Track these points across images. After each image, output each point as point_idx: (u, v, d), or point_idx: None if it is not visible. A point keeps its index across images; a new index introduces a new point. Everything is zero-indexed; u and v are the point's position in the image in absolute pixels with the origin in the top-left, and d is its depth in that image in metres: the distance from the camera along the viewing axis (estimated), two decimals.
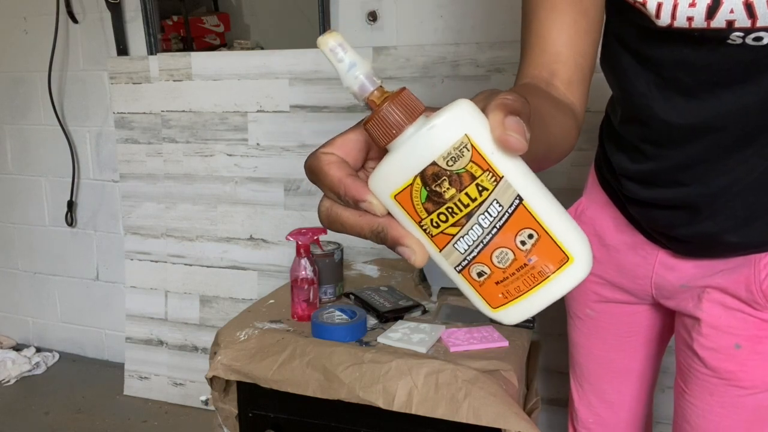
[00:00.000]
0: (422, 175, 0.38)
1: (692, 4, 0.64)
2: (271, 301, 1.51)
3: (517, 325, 1.34)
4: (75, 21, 2.29)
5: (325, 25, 1.92)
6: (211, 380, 1.29)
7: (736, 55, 0.66)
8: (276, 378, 1.21)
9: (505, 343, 1.23)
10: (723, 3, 0.62)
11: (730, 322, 0.82)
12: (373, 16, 1.89)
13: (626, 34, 0.75)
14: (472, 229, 0.39)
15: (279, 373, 1.21)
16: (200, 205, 2.17)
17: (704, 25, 0.64)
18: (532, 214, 0.39)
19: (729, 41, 0.65)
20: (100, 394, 2.35)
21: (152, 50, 2.16)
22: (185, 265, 2.22)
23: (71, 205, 2.47)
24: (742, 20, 0.63)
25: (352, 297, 1.49)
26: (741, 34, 0.64)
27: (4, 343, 2.71)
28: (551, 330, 1.82)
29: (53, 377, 2.50)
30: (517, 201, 0.39)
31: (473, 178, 0.38)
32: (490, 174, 0.38)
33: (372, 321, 1.37)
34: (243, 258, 2.14)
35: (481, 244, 0.39)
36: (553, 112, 0.64)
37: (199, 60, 2.08)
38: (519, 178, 0.39)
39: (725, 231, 0.78)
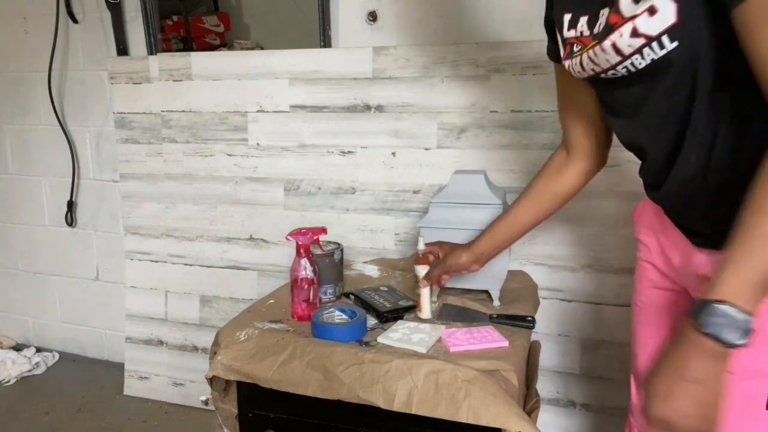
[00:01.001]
0: None
1: (572, 65, 0.93)
2: (271, 301, 1.51)
3: (517, 325, 1.34)
4: (75, 21, 2.29)
5: (325, 25, 1.92)
6: (211, 380, 1.29)
7: (621, 84, 0.88)
8: (276, 378, 1.21)
9: (505, 343, 1.23)
10: (582, 62, 0.89)
11: None
12: (373, 16, 1.89)
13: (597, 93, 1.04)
14: None
15: (279, 373, 1.21)
16: (200, 205, 2.17)
17: (586, 74, 0.92)
18: None
19: (607, 78, 0.89)
20: (100, 394, 2.35)
21: (152, 50, 2.16)
22: (185, 265, 2.22)
23: (71, 205, 2.47)
24: (592, 68, 0.89)
25: (352, 297, 1.49)
26: (606, 73, 0.87)
27: (4, 343, 2.71)
28: (551, 330, 1.82)
29: (53, 377, 2.50)
30: None
31: None
32: None
33: (372, 321, 1.37)
34: (243, 258, 2.14)
35: None
36: (546, 185, 1.22)
37: (199, 60, 2.08)
38: None
39: (693, 225, 0.92)
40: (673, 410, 0.73)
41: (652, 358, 1.06)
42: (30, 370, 2.51)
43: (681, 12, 0.74)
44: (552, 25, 1.04)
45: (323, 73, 1.93)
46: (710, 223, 0.89)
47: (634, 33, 0.78)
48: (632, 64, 0.82)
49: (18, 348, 2.68)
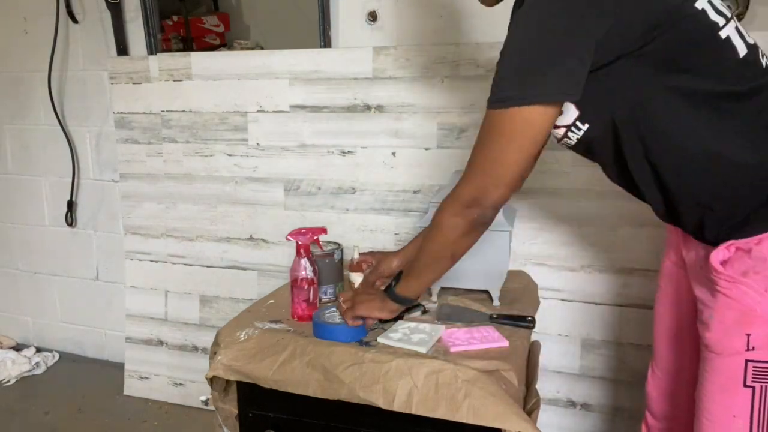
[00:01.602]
0: None
1: (553, 134, 1.06)
2: (271, 301, 1.51)
3: (517, 325, 1.34)
4: (75, 21, 2.29)
5: (325, 25, 1.92)
6: (211, 380, 1.29)
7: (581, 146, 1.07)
8: (276, 378, 1.21)
9: (505, 343, 1.23)
10: (560, 130, 1.03)
11: (708, 298, 0.98)
12: (373, 16, 1.89)
13: None
14: None
15: (279, 373, 1.21)
16: (200, 205, 2.17)
17: (556, 138, 1.08)
18: None
19: (567, 143, 1.07)
20: (100, 394, 2.35)
21: (152, 50, 2.16)
22: (185, 265, 2.22)
23: (71, 205, 2.47)
24: (561, 137, 1.05)
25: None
26: (568, 141, 1.05)
27: (4, 343, 2.71)
28: (551, 330, 1.82)
29: (53, 377, 2.50)
30: None
31: None
32: None
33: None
34: (243, 258, 2.14)
35: None
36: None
37: (199, 60, 2.08)
38: None
39: (688, 223, 1.02)
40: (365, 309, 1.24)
41: (668, 329, 1.21)
42: (30, 370, 2.51)
43: (579, 107, 0.97)
44: None
45: (323, 73, 1.93)
46: (688, 225, 1.03)
47: (555, 125, 1.00)
48: (569, 139, 1.04)
49: (18, 348, 2.68)
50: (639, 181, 1.01)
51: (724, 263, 0.94)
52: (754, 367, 0.92)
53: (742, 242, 0.93)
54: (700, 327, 1.00)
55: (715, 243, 0.96)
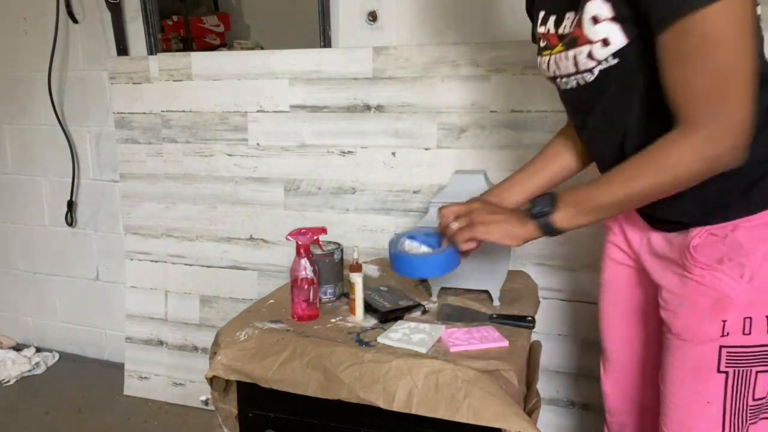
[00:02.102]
0: None
1: (541, 62, 1.04)
2: (271, 301, 1.51)
3: (517, 325, 1.34)
4: (75, 21, 2.29)
5: (325, 25, 1.92)
6: (211, 380, 1.29)
7: (573, 93, 1.01)
8: (276, 378, 1.21)
9: (505, 343, 1.23)
10: (549, 62, 1.01)
11: (677, 285, 0.98)
12: (373, 16, 1.89)
13: None
14: None
15: (279, 373, 1.21)
16: (200, 205, 2.17)
17: (549, 74, 1.03)
18: None
19: (562, 85, 1.02)
20: (100, 394, 2.35)
21: (152, 50, 2.16)
22: (185, 265, 2.22)
23: (71, 205, 2.47)
24: (555, 71, 1.01)
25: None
26: (561, 79, 1.01)
27: (4, 343, 2.71)
28: (551, 330, 1.82)
29: (53, 377, 2.50)
30: None
31: None
32: None
33: (372, 321, 1.37)
34: (243, 258, 2.14)
35: None
36: (554, 155, 1.23)
37: (199, 60, 2.08)
38: None
39: (654, 208, 0.97)
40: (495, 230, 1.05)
41: (617, 329, 1.21)
42: (30, 370, 2.51)
43: (628, 37, 0.87)
44: (531, 14, 1.14)
45: (323, 73, 1.93)
46: (658, 210, 0.99)
47: (590, 55, 0.92)
48: (583, 78, 0.96)
49: (18, 348, 2.68)
50: (639, 146, 0.91)
51: (695, 249, 0.94)
52: (728, 352, 0.92)
53: (716, 228, 0.93)
54: (666, 315, 1.00)
55: (681, 228, 0.97)
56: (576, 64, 0.94)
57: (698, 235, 0.95)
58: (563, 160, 1.22)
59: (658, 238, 1.04)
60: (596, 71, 0.93)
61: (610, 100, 0.95)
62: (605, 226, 1.20)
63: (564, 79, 1.00)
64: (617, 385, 1.24)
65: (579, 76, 0.96)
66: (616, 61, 0.90)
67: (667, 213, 0.99)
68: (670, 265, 1.01)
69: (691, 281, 0.95)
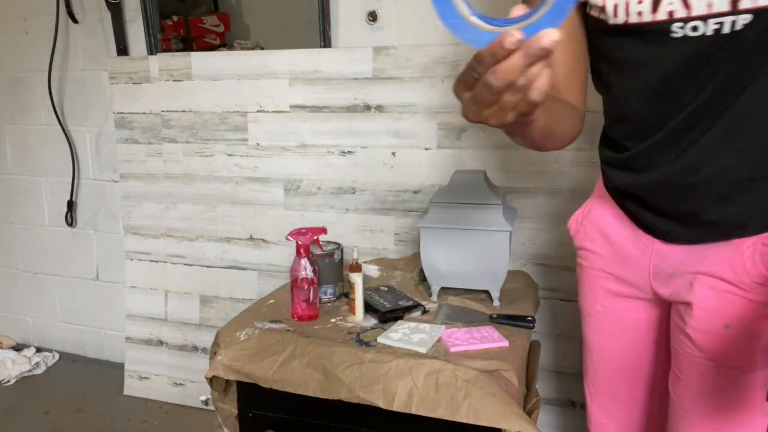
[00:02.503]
0: None
1: (640, 2, 0.78)
2: (271, 301, 1.51)
3: (517, 325, 1.34)
4: (75, 21, 2.29)
5: (325, 25, 1.92)
6: (211, 380, 1.29)
7: (681, 48, 0.77)
8: (276, 378, 1.21)
9: (505, 343, 1.23)
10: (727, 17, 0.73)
11: (719, 304, 0.86)
12: (373, 16, 1.89)
13: (601, 44, 0.88)
14: None
15: (279, 373, 1.21)
16: (200, 205, 2.17)
17: (651, 18, 0.77)
18: None
19: (672, 34, 0.77)
20: (100, 394, 2.35)
21: (152, 50, 2.16)
22: (185, 265, 2.22)
23: (71, 205, 2.47)
24: (680, 10, 0.75)
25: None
26: (681, 24, 0.76)
27: (4, 343, 2.71)
28: (551, 330, 1.82)
29: (53, 377, 2.50)
30: None
31: None
32: None
33: (372, 321, 1.37)
34: (243, 258, 2.14)
35: None
36: (557, 101, 0.86)
37: (199, 60, 2.08)
38: None
39: (704, 208, 0.84)
40: None
41: (616, 370, 1.06)
42: (30, 370, 2.51)
43: None
44: None
45: (323, 73, 1.93)
46: (713, 210, 0.83)
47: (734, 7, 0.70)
48: (732, 23, 0.72)
49: (18, 348, 2.68)
50: (739, 137, 0.78)
51: (754, 263, 0.81)
52: None
53: None
54: (698, 335, 0.87)
55: (731, 236, 0.83)
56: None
57: (754, 244, 0.82)
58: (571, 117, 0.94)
59: (675, 254, 0.91)
60: (764, 10, 0.70)
61: (754, 53, 0.74)
62: (582, 249, 1.07)
63: (692, 24, 0.75)
64: (612, 418, 1.12)
65: (729, 18, 0.72)
66: None
67: (731, 214, 0.83)
68: (701, 278, 0.88)
69: (745, 300, 0.83)
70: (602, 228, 1.02)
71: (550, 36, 0.48)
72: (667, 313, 1.00)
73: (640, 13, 0.78)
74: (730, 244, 0.84)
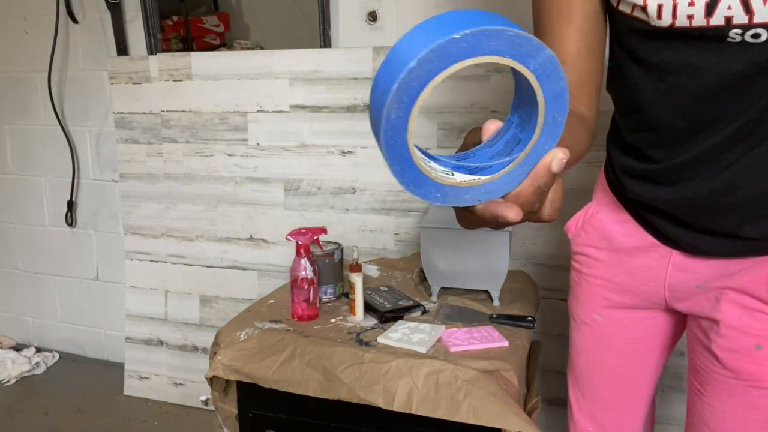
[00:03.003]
0: None
1: (691, 3, 0.66)
2: (271, 301, 1.51)
3: (517, 325, 1.34)
4: (75, 21, 2.29)
5: (325, 25, 1.92)
6: (211, 380, 1.29)
7: (736, 55, 0.68)
8: (276, 378, 1.21)
9: (505, 343, 1.23)
10: (721, 0, 0.65)
11: (750, 323, 0.81)
12: (373, 16, 1.89)
13: (633, 45, 0.78)
14: None
15: (279, 373, 1.21)
16: (200, 205, 2.17)
17: (704, 22, 0.67)
18: None
19: (729, 39, 0.67)
20: (100, 394, 2.35)
21: (152, 50, 2.16)
22: (185, 265, 2.22)
23: (71, 205, 2.47)
24: (740, 16, 0.65)
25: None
26: (739, 31, 0.66)
27: (4, 343, 2.71)
28: (551, 330, 1.82)
29: (53, 377, 2.50)
30: None
31: None
32: None
33: (372, 321, 1.37)
34: (243, 258, 2.14)
35: None
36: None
37: (199, 60, 2.08)
38: None
39: (741, 225, 0.78)
40: None
41: (609, 380, 1.02)
42: (30, 370, 2.51)
43: None
44: None
45: (323, 73, 1.93)
46: (750, 226, 0.78)
47: None
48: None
49: (18, 348, 2.68)
50: None
51: None
52: None
53: None
54: (726, 355, 0.83)
55: (756, 252, 0.79)
56: None
57: None
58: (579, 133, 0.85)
59: (699, 266, 0.86)
60: None
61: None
62: (580, 255, 1.02)
63: (753, 32, 0.66)
64: (601, 427, 1.10)
65: None
66: None
67: (761, 230, 0.78)
68: (729, 294, 0.83)
69: None
70: (607, 234, 0.95)
71: (558, 158, 0.43)
72: (674, 321, 0.97)
73: (690, 17, 0.67)
74: (763, 260, 0.80)
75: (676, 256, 0.88)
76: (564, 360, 1.83)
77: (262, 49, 2.14)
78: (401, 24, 1.87)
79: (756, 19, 0.64)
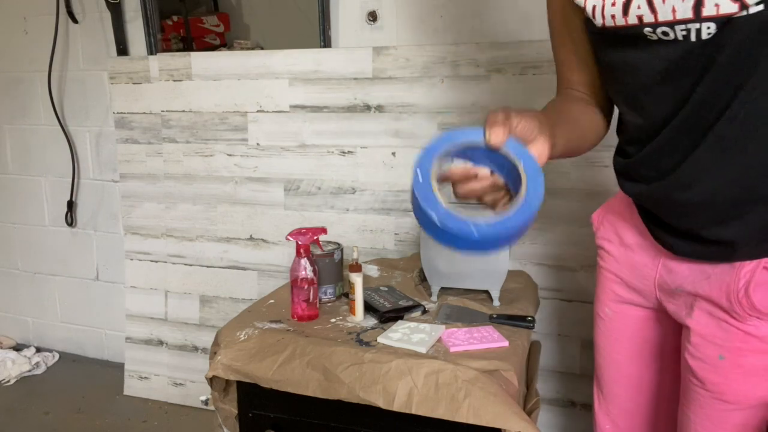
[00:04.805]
0: None
1: (613, 3, 0.75)
2: (271, 301, 1.51)
3: (517, 325, 1.34)
4: (75, 21, 2.29)
5: (325, 25, 1.92)
6: (211, 380, 1.29)
7: (660, 52, 0.73)
8: (276, 378, 1.21)
9: (505, 343, 1.23)
10: (632, 3, 0.72)
11: (715, 332, 0.82)
12: (373, 16, 1.89)
13: (595, 47, 0.86)
14: None
15: (279, 373, 1.21)
16: (200, 205, 2.17)
17: (623, 22, 0.74)
18: None
19: (648, 37, 0.73)
20: (100, 394, 2.35)
21: (152, 50, 2.16)
22: (185, 265, 2.22)
23: (71, 205, 2.47)
24: (648, 15, 0.71)
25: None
26: (650, 29, 0.72)
27: (4, 343, 2.71)
28: (551, 330, 1.82)
29: (53, 377, 2.50)
30: None
31: None
32: None
33: (372, 321, 1.37)
34: (243, 258, 2.14)
35: None
36: (581, 110, 0.88)
37: (199, 60, 2.08)
38: None
39: (703, 226, 0.80)
40: None
41: (620, 377, 1.03)
42: (30, 370, 2.51)
43: None
44: None
45: (323, 73, 1.93)
46: (714, 227, 0.79)
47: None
48: (698, 30, 0.68)
49: (18, 348, 2.68)
50: (732, 146, 0.73)
51: (754, 291, 0.76)
52: None
53: None
54: (696, 364, 0.84)
55: (725, 257, 0.79)
56: (699, 6, 0.66)
57: (753, 270, 0.77)
58: (593, 121, 0.93)
59: (680, 268, 0.87)
60: (727, 20, 0.66)
61: (728, 64, 0.69)
62: (600, 249, 1.04)
63: (661, 29, 0.71)
64: (617, 426, 1.09)
65: (693, 25, 0.68)
66: (760, 7, 0.64)
67: (728, 233, 0.78)
68: (700, 302, 0.84)
69: (741, 332, 0.78)
70: (618, 230, 0.99)
71: None
72: (674, 328, 0.97)
73: (613, 17, 0.75)
74: (732, 267, 0.79)
75: (664, 256, 0.90)
76: (564, 360, 1.84)
77: (262, 49, 2.14)
78: (401, 24, 1.87)
79: (660, 18, 0.70)
